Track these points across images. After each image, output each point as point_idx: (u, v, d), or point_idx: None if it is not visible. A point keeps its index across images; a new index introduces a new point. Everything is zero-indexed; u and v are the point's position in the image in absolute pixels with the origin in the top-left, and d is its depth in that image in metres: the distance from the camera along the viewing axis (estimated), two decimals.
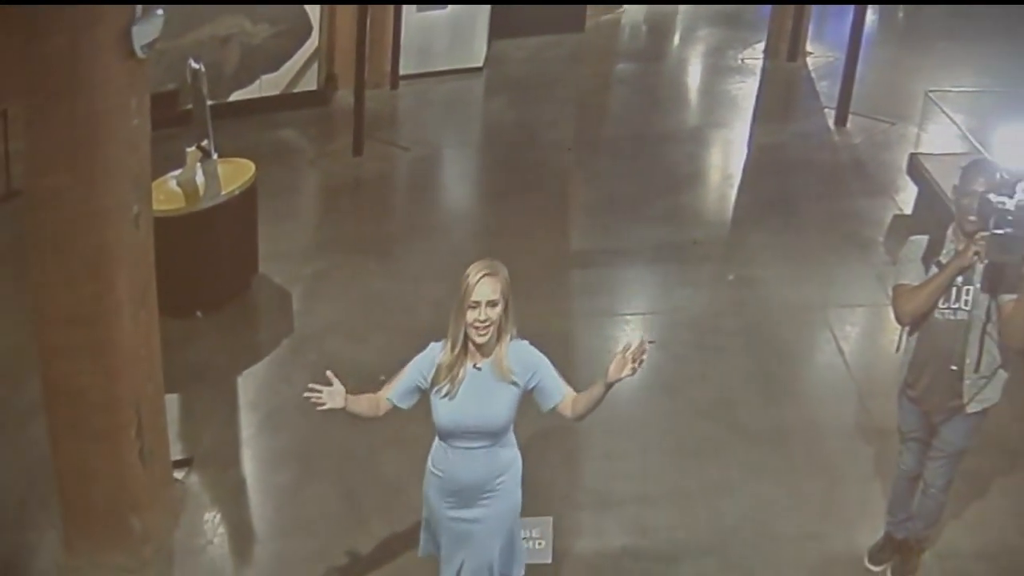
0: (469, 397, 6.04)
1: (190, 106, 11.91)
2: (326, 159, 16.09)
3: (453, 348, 6.04)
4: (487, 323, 5.92)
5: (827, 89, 19.14)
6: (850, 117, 17.67)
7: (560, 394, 6.16)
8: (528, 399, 6.20)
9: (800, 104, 19.50)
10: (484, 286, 5.89)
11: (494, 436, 6.14)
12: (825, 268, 12.95)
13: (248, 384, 10.61)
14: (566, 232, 13.88)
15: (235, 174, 11.71)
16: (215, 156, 11.49)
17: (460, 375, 6.05)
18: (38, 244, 7.58)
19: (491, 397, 6.06)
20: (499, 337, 6.07)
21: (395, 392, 6.22)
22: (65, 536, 8.39)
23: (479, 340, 5.97)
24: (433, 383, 6.10)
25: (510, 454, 6.32)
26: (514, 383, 6.07)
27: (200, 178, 11.32)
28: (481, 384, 6.06)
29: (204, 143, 11.41)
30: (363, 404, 6.26)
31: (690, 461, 9.49)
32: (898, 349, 7.69)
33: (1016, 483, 9.27)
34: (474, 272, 5.92)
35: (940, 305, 7.19)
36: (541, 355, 6.24)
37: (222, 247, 11.56)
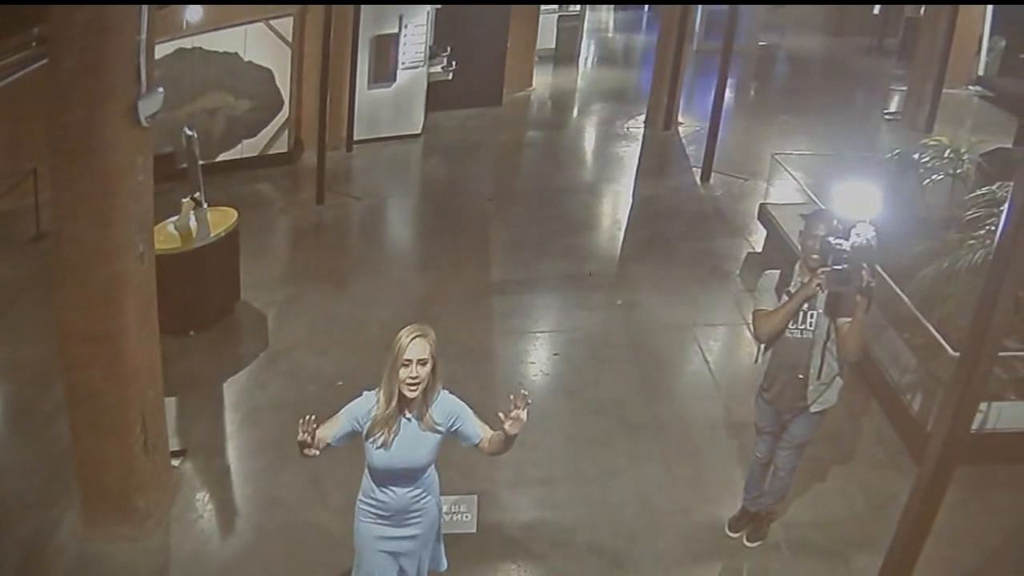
0: (399, 445, 5.80)
1: (185, 165, 11.82)
2: (294, 207, 15.99)
3: (388, 404, 5.73)
4: (418, 380, 5.64)
5: (694, 152, 19.29)
6: (713, 174, 17.84)
7: (477, 436, 5.94)
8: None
9: (673, 164, 19.61)
10: (416, 346, 5.60)
11: (420, 472, 5.97)
12: (693, 294, 13.05)
13: (231, 389, 10.50)
14: (487, 265, 13.88)
15: (221, 219, 11.62)
16: (205, 205, 11.39)
17: (395, 427, 5.79)
18: (62, 275, 7.57)
19: (418, 444, 5.84)
20: (427, 392, 5.78)
21: (333, 436, 5.82)
22: (83, 513, 8.33)
23: (410, 395, 5.70)
24: (369, 434, 5.80)
25: (431, 477, 6.12)
26: (438, 431, 5.87)
27: (193, 223, 11.23)
28: (410, 433, 5.82)
29: (196, 195, 11.31)
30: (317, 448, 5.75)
31: (586, 449, 9.53)
32: (756, 361, 7.82)
33: (846, 469, 9.44)
34: (406, 334, 5.64)
35: (790, 326, 7.37)
36: (462, 404, 5.99)
37: (210, 278, 11.45)
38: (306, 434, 5.51)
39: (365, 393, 5.88)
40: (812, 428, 7.80)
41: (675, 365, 11.47)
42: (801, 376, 7.47)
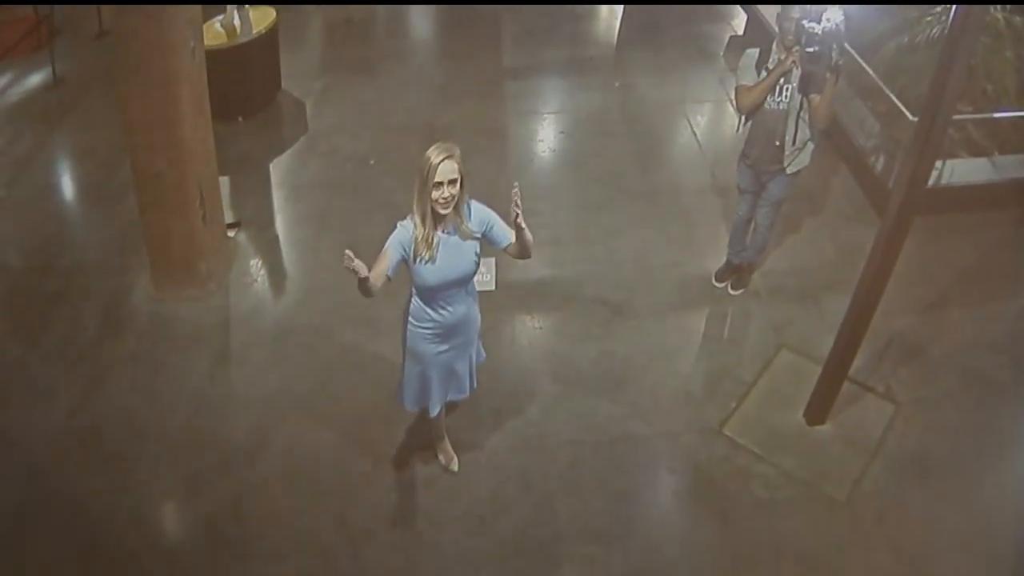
0: (446, 259, 5.54)
1: None
2: (326, 6, 15.64)
3: (424, 223, 5.43)
4: (450, 198, 5.34)
5: None
6: None
7: (506, 239, 5.66)
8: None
9: None
10: (445, 167, 5.22)
11: (468, 280, 5.79)
12: (682, 75, 12.80)
13: (277, 168, 10.46)
14: (500, 54, 13.61)
15: (262, 18, 11.35)
16: (247, 5, 11.20)
17: (435, 243, 5.50)
18: (124, 70, 7.49)
19: (461, 252, 5.59)
20: (458, 206, 5.45)
21: (388, 268, 5.47)
22: (153, 277, 8.48)
23: (443, 212, 5.39)
24: (415, 255, 5.51)
25: (474, 289, 5.99)
26: (475, 237, 5.62)
27: (237, 21, 11.02)
28: (452, 246, 5.55)
29: None
30: (378, 281, 5.43)
31: (590, 214, 9.53)
32: (738, 130, 7.83)
33: (818, 223, 9.48)
34: (434, 155, 5.23)
35: (768, 99, 7.33)
36: (490, 210, 5.71)
37: (254, 70, 11.29)
38: (354, 263, 5.16)
39: (399, 224, 5.58)
40: (787, 187, 7.82)
41: (667, 138, 11.32)
42: (778, 143, 7.45)
